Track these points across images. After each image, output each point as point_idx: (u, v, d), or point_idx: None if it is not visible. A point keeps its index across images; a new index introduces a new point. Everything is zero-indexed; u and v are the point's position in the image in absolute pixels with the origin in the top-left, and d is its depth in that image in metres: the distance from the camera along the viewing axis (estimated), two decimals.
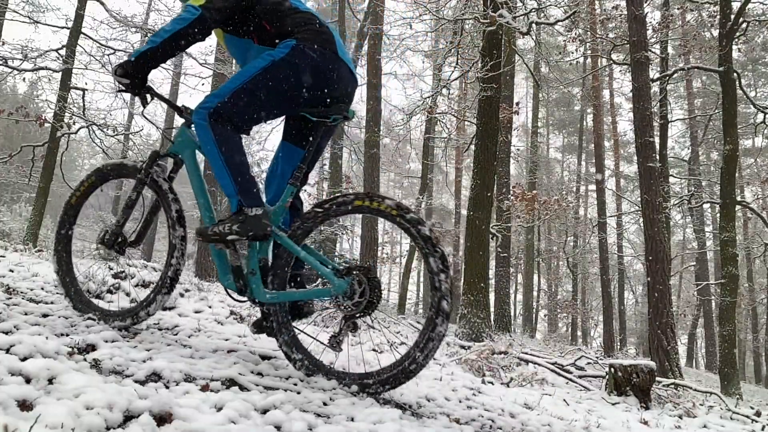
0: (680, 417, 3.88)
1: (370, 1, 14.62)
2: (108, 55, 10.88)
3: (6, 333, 1.92)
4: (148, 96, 2.30)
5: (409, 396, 2.20)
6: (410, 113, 11.27)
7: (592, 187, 22.89)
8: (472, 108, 11.94)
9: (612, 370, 4.26)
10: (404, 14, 18.54)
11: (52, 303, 2.64)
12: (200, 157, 2.34)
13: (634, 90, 9.41)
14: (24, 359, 1.60)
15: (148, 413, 1.39)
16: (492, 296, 12.40)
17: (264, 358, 2.30)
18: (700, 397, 5.37)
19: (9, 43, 10.14)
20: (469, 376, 3.33)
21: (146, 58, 2.13)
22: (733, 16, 10.29)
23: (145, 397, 1.47)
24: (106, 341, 2.04)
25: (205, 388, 1.74)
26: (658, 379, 4.86)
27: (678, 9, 15.18)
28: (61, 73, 10.35)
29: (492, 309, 11.32)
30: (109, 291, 3.22)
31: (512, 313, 18.04)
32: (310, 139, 2.23)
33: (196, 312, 3.25)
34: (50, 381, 1.49)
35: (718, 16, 10.81)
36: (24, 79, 12.11)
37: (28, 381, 1.45)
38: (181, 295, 3.70)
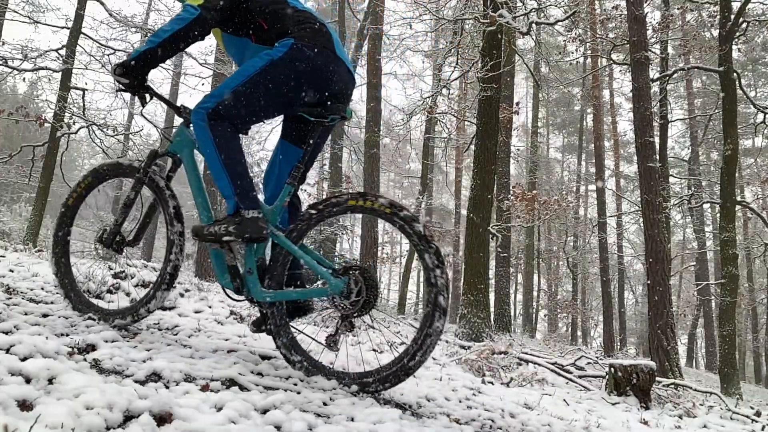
0: (680, 417, 3.88)
1: (370, 1, 14.60)
2: (108, 55, 10.87)
3: (6, 333, 1.92)
4: (148, 95, 2.30)
5: (409, 396, 2.20)
6: (410, 113, 11.27)
7: (592, 186, 22.88)
8: (472, 108, 11.94)
9: (612, 370, 4.26)
10: (404, 14, 18.58)
11: (51, 303, 2.64)
12: (199, 156, 2.34)
13: (634, 90, 9.41)
14: (24, 359, 1.60)
15: (148, 413, 1.39)
16: (492, 296, 12.39)
17: (264, 358, 2.30)
18: (700, 397, 5.37)
19: (9, 43, 10.14)
20: (469, 376, 3.33)
21: (146, 57, 2.13)
22: (733, 16, 10.29)
23: (145, 397, 1.47)
24: (106, 341, 2.04)
25: (205, 388, 1.74)
26: (658, 379, 4.86)
27: (678, 9, 15.16)
28: (61, 73, 10.35)
29: (492, 309, 11.31)
30: (109, 291, 3.22)
31: (512, 313, 18.04)
32: (309, 138, 2.22)
33: (196, 312, 3.25)
34: (50, 381, 1.49)
35: (718, 16, 10.80)
36: (24, 79, 12.11)
37: (28, 381, 1.45)
38: (181, 295, 3.70)
